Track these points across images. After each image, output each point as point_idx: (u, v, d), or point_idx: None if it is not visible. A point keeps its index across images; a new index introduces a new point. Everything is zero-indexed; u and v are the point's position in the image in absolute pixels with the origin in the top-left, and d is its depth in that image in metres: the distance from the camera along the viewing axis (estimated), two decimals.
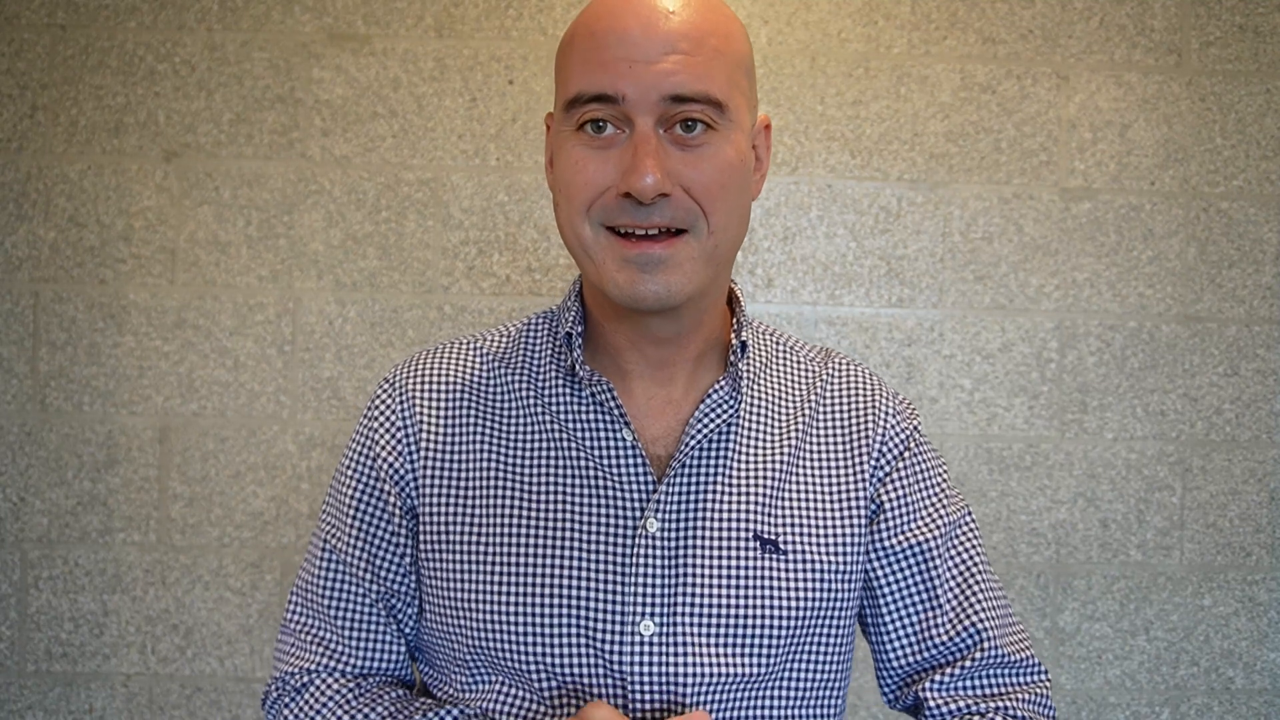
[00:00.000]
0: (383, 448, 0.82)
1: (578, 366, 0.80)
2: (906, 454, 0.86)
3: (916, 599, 0.85)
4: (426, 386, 0.84)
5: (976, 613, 0.84)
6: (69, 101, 1.57)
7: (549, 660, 0.75)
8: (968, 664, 0.83)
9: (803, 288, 1.62)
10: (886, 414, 0.86)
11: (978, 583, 0.85)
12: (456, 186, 1.59)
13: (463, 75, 1.59)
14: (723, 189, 0.73)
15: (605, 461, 0.79)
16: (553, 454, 0.81)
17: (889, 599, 0.85)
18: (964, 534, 0.87)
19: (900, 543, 0.84)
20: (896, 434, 0.86)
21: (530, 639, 0.75)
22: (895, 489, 0.85)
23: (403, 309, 1.59)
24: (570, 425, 0.81)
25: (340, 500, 0.85)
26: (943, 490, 0.87)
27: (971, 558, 0.86)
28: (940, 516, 0.86)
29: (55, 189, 1.57)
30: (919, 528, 0.85)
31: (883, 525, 0.84)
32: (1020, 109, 1.64)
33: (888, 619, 0.85)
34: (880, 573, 0.84)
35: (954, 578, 0.85)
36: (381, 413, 0.84)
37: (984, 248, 1.64)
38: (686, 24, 0.72)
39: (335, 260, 1.58)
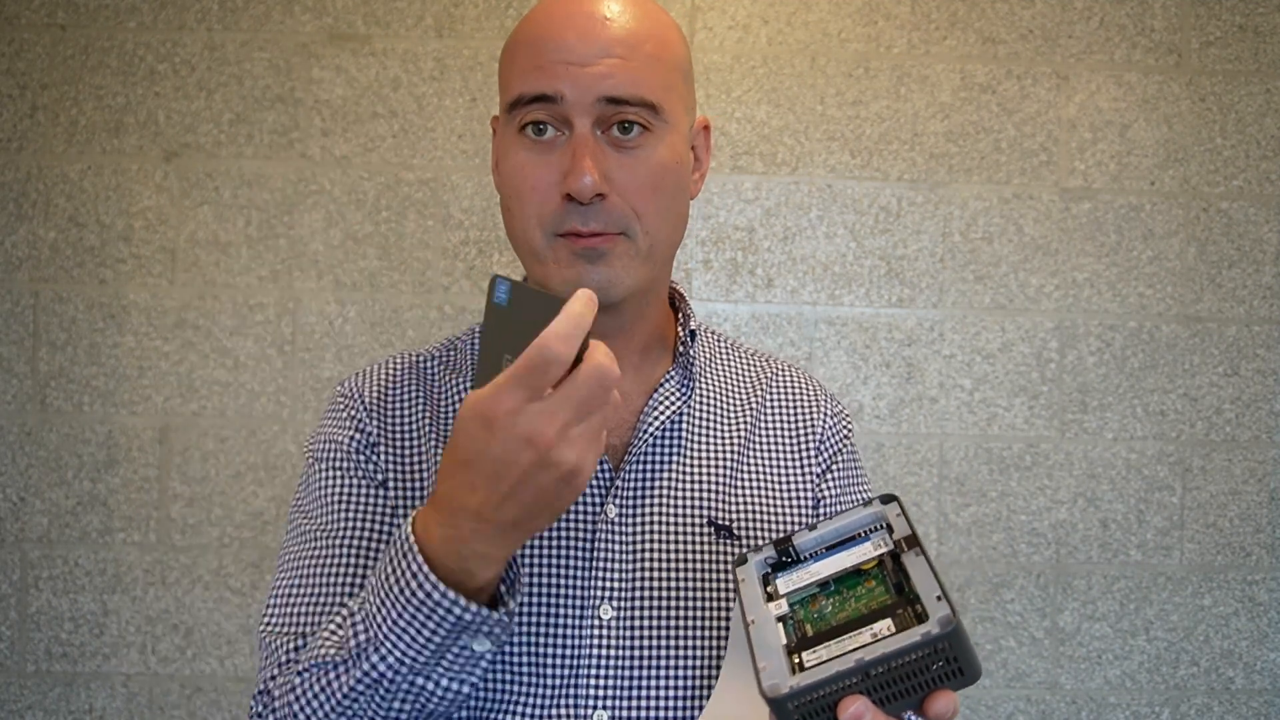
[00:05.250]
0: (345, 434, 0.82)
1: None
2: (840, 455, 0.91)
3: None
4: (376, 389, 0.85)
5: None
6: (69, 101, 1.57)
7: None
8: None
9: (803, 288, 1.62)
10: (826, 415, 0.92)
11: None
12: (456, 186, 1.59)
13: (463, 75, 1.59)
14: (655, 191, 0.77)
15: None
16: None
17: None
18: None
19: None
20: (834, 435, 0.91)
21: None
22: (832, 485, 0.89)
23: (403, 309, 1.59)
24: None
25: (313, 498, 0.81)
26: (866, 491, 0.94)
27: None
28: None
29: (55, 189, 1.57)
30: None
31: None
32: (1020, 109, 1.64)
33: None
34: None
35: None
36: (336, 414, 0.84)
37: (984, 248, 1.64)
38: (623, 30, 0.75)
39: (335, 260, 1.58)
